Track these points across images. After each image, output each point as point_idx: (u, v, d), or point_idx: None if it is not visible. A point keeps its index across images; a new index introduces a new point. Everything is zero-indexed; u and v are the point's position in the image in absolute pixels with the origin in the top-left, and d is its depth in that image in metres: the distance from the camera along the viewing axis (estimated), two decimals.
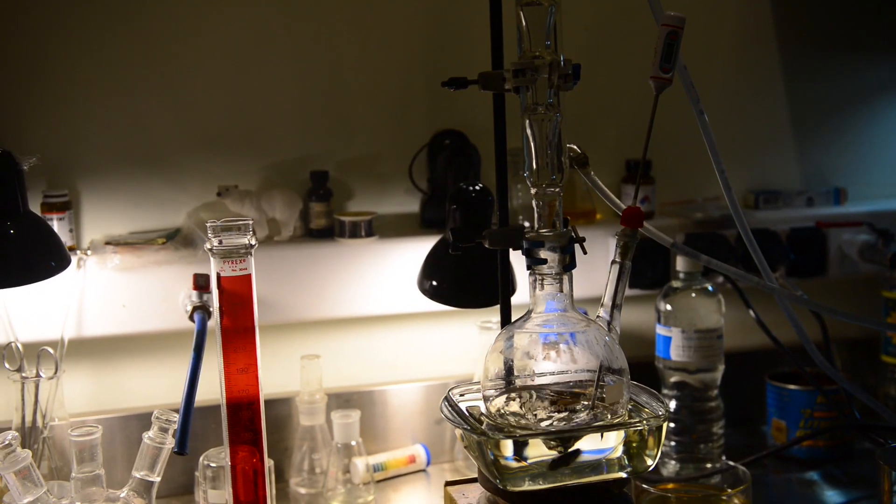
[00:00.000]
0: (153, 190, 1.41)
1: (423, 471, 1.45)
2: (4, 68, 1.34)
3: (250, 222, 1.05)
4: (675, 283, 1.37)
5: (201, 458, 1.21)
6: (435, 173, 1.49)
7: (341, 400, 1.44)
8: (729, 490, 1.23)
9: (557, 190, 1.00)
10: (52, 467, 1.25)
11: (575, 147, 1.12)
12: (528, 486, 0.98)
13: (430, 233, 1.44)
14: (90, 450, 1.10)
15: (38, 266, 1.18)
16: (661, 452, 1.02)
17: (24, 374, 1.26)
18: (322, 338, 1.48)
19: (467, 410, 1.05)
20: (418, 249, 1.40)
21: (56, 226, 1.31)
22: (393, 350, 1.52)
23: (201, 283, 1.22)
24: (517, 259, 1.15)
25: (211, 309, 1.22)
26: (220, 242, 1.03)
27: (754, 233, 1.19)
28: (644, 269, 1.48)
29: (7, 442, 1.02)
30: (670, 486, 1.29)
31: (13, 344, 1.27)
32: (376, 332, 1.51)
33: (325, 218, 1.45)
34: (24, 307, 1.29)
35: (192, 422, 1.08)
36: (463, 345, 1.52)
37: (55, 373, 1.27)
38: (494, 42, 1.10)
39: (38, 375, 1.26)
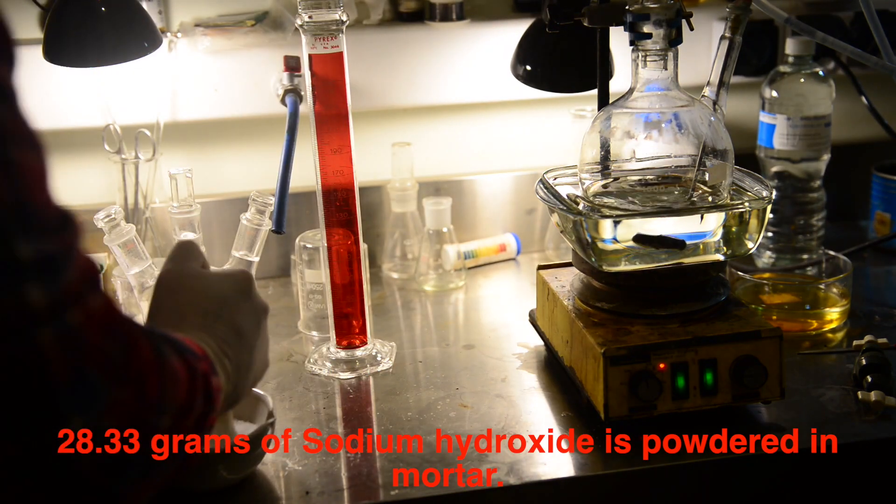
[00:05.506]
0: None
1: (513, 259, 1.46)
2: None
3: None
4: (783, 69, 1.30)
5: (297, 240, 1.23)
6: None
7: (431, 188, 1.44)
8: (827, 279, 1.21)
9: None
10: (155, 246, 1.29)
11: None
12: (623, 267, 0.97)
13: (524, 16, 1.38)
14: (190, 226, 1.13)
15: (131, 45, 1.17)
16: (759, 243, 0.99)
17: (123, 156, 1.28)
18: (412, 126, 1.46)
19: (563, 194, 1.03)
20: (511, 33, 1.35)
21: (145, 6, 1.29)
22: (483, 139, 1.50)
23: (292, 65, 1.20)
24: (616, 44, 1.10)
25: (302, 93, 1.21)
26: (311, 18, 1.01)
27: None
28: (748, 56, 1.41)
29: (111, 215, 1.05)
30: (766, 275, 1.27)
31: (111, 126, 1.28)
32: (466, 120, 1.49)
33: (414, 0, 1.40)
34: (119, 90, 1.30)
35: (287, 202, 1.09)
36: (555, 135, 1.48)
37: (153, 155, 1.29)
38: None
39: (136, 157, 1.29)
